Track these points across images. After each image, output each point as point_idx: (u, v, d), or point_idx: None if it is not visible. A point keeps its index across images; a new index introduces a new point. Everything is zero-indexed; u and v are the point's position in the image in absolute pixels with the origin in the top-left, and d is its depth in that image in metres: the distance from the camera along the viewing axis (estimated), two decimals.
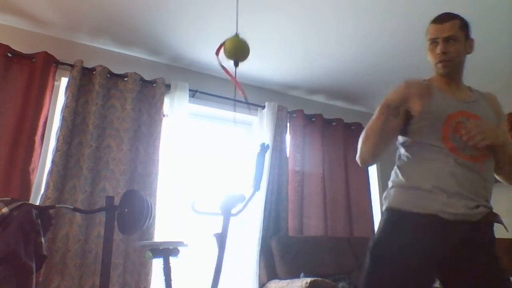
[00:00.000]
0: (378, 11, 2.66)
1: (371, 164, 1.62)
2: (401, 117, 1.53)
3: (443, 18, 1.55)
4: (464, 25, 1.57)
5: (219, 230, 2.03)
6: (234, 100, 3.61)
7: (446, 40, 1.51)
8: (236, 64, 1.71)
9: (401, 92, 1.51)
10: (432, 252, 1.41)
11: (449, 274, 1.46)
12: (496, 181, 1.63)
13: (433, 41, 1.55)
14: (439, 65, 1.54)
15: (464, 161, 1.45)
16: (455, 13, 1.56)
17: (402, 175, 1.52)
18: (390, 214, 1.49)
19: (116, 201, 2.33)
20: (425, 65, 3.68)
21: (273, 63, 3.44)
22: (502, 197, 4.11)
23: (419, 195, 1.44)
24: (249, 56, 1.77)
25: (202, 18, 2.79)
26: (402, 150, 1.59)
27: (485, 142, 1.38)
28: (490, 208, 1.53)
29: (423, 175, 1.47)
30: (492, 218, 1.54)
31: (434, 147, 1.47)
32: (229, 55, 1.71)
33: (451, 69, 1.55)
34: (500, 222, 1.60)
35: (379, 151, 1.54)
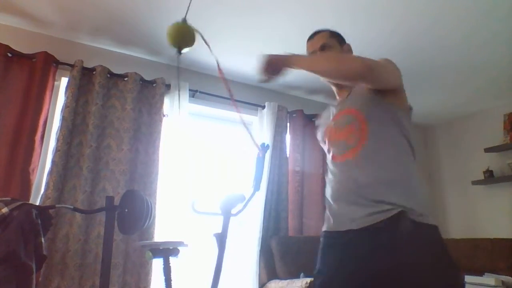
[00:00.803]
0: (377, 11, 2.66)
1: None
2: None
3: (313, 34, 1.64)
4: (333, 34, 1.62)
5: (219, 230, 2.03)
6: (234, 100, 3.61)
7: (321, 49, 1.56)
8: (178, 52, 1.62)
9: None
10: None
11: None
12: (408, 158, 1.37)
13: (312, 54, 1.59)
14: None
15: (340, 163, 1.40)
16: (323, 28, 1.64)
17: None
18: None
19: (116, 201, 2.33)
20: (425, 64, 3.70)
21: None
22: (502, 197, 4.11)
23: (326, 214, 1.44)
24: (193, 45, 1.68)
25: (202, 18, 2.79)
26: None
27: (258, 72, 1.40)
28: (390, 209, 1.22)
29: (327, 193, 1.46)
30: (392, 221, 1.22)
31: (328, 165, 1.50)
32: (171, 42, 1.62)
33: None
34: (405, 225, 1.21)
35: None
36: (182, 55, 1.58)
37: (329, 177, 1.46)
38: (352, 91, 1.52)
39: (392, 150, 1.33)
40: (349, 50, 1.61)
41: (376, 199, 1.24)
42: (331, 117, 1.56)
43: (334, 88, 1.62)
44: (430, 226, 1.24)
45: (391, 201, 1.23)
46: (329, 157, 1.49)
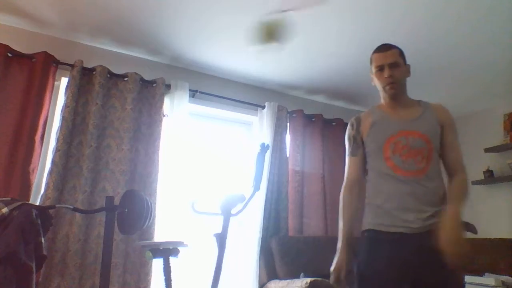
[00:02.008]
0: (378, 11, 2.66)
1: None
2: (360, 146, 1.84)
3: (385, 48, 1.78)
4: (402, 53, 1.79)
5: (219, 230, 2.03)
6: (234, 100, 3.62)
7: (391, 66, 1.72)
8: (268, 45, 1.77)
9: (352, 131, 1.84)
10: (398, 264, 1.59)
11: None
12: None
13: (380, 68, 1.75)
14: (387, 87, 1.74)
15: (405, 177, 1.66)
16: (392, 44, 1.81)
17: (367, 195, 1.78)
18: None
19: (116, 201, 2.33)
20: (425, 64, 3.69)
21: (273, 63, 3.44)
22: (502, 197, 4.11)
23: (378, 213, 1.69)
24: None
25: (202, 18, 2.79)
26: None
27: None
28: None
29: (377, 195, 1.71)
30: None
31: (381, 168, 1.72)
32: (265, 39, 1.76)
33: (397, 90, 1.74)
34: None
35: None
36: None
37: (380, 181, 1.71)
38: (423, 112, 1.76)
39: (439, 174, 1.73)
40: (409, 71, 1.81)
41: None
42: (392, 129, 1.73)
43: (388, 100, 1.79)
44: None
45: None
46: (383, 163, 1.70)
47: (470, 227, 1.66)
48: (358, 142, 1.82)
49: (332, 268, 1.74)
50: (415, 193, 1.63)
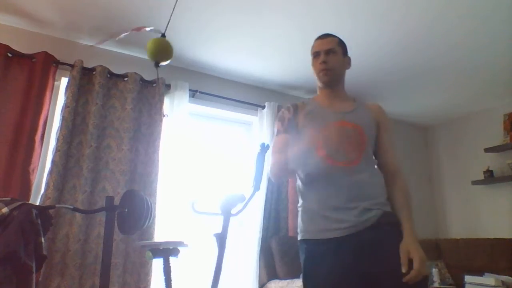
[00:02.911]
0: (378, 11, 2.66)
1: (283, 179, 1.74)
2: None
3: (324, 35, 1.73)
4: (342, 43, 1.74)
5: (219, 230, 2.03)
6: (234, 100, 3.62)
7: (327, 52, 1.67)
8: (156, 65, 1.71)
9: (288, 114, 1.71)
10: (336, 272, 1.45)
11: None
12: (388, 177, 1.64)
13: (316, 54, 1.70)
14: (321, 73, 1.67)
15: (336, 167, 1.55)
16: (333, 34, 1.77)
17: (299, 199, 1.68)
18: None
19: (116, 201, 2.33)
20: (425, 64, 3.68)
21: (273, 63, 3.44)
22: (502, 197, 4.11)
23: (313, 218, 1.57)
24: (171, 59, 1.79)
25: (202, 18, 2.79)
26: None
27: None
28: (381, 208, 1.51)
29: (309, 195, 1.61)
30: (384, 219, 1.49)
31: (312, 160, 1.60)
32: (150, 56, 1.71)
33: (331, 77, 1.68)
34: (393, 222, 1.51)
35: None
36: (162, 65, 1.65)
37: (311, 178, 1.61)
38: (357, 107, 1.69)
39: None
40: (349, 63, 1.76)
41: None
42: (326, 119, 1.64)
43: (323, 88, 1.73)
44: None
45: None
46: (315, 154, 1.58)
47: None
48: (293, 124, 1.69)
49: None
50: (346, 186, 1.51)
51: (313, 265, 1.49)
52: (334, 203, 1.51)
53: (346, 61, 1.74)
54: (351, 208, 1.48)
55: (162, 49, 1.75)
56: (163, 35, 1.74)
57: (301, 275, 1.55)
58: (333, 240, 1.46)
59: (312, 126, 1.65)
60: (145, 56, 3.33)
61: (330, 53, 1.67)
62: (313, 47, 1.73)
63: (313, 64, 1.72)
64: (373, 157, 1.66)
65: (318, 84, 1.73)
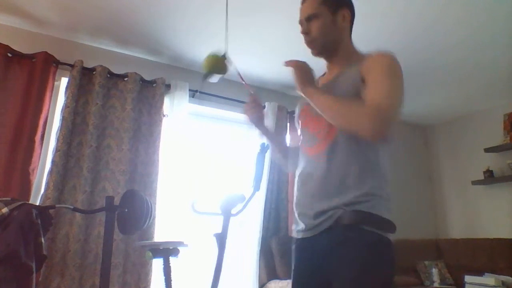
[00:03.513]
0: (377, 11, 2.66)
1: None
2: None
3: None
4: None
5: (219, 230, 2.03)
6: (234, 100, 3.61)
7: (308, 20, 1.37)
8: (205, 78, 1.71)
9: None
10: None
11: None
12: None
13: (300, 25, 1.41)
14: (308, 47, 1.42)
15: (307, 156, 1.34)
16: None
17: None
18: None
19: (116, 201, 2.33)
20: (425, 64, 3.68)
21: (273, 63, 3.44)
22: (502, 197, 4.11)
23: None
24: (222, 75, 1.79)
25: (202, 18, 2.79)
26: None
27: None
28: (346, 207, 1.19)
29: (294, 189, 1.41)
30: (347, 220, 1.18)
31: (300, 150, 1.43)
32: (205, 69, 1.72)
33: (320, 48, 1.39)
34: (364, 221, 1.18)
35: None
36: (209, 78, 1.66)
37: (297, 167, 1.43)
38: (343, 73, 1.34)
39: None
40: (344, 18, 1.38)
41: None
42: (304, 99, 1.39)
43: (325, 61, 1.46)
44: None
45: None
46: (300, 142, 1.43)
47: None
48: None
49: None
50: (311, 178, 1.27)
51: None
52: (301, 198, 1.33)
53: (338, 19, 1.37)
54: (310, 206, 1.27)
55: (219, 67, 1.79)
56: (224, 56, 1.80)
57: None
58: (297, 240, 1.33)
59: (296, 111, 1.53)
60: (145, 56, 3.35)
61: (312, 19, 1.36)
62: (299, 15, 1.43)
63: None
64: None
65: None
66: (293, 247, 1.36)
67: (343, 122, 1.19)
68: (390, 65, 1.23)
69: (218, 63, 1.68)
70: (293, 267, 1.34)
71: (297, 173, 1.39)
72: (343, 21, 1.38)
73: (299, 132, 1.47)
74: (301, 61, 1.33)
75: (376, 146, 1.24)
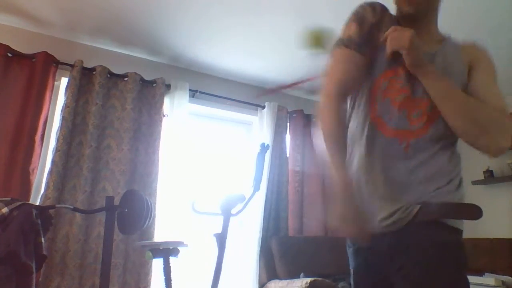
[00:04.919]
0: None
1: None
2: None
3: None
4: None
5: (219, 230, 2.03)
6: (234, 100, 3.62)
7: None
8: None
9: (371, 16, 1.17)
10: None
11: None
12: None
13: None
14: (407, 3, 1.14)
15: (387, 139, 1.09)
16: None
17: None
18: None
19: (116, 201, 2.33)
20: None
21: (273, 63, 3.44)
22: (502, 197, 4.11)
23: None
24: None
25: (202, 18, 2.79)
26: None
27: (388, 46, 1.06)
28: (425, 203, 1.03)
29: (350, 168, 1.15)
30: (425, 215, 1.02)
31: (362, 115, 1.15)
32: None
33: (417, 8, 1.14)
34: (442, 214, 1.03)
35: None
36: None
37: (355, 140, 1.15)
38: (443, 49, 1.16)
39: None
40: None
41: None
42: (391, 63, 1.11)
43: (403, 22, 1.17)
44: None
45: None
46: (367, 109, 1.13)
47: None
48: (369, 38, 1.13)
49: (345, 230, 1.05)
50: (396, 168, 1.06)
51: None
52: (375, 189, 1.10)
53: None
54: (392, 199, 1.08)
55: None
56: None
57: None
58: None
59: (375, 63, 1.15)
60: (145, 56, 3.35)
61: None
62: None
63: None
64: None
65: (397, 13, 1.20)
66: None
67: (467, 122, 1.04)
68: (495, 69, 1.19)
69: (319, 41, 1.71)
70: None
71: (368, 143, 1.12)
72: None
73: (362, 97, 1.16)
74: (411, 32, 1.05)
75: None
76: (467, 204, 1.03)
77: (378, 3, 1.18)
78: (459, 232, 1.05)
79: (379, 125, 1.11)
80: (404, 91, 1.10)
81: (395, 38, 1.06)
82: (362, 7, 1.17)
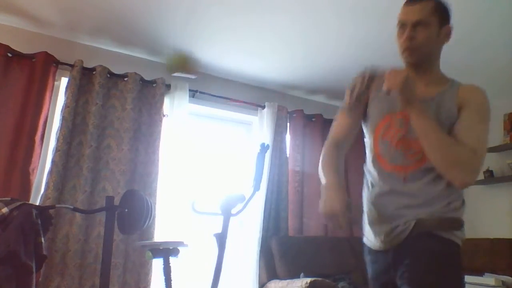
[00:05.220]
0: (378, 11, 2.66)
1: None
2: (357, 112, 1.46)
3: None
4: (439, 9, 1.32)
5: (219, 230, 2.03)
6: (234, 100, 3.62)
7: (415, 24, 1.30)
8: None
9: (361, 85, 1.40)
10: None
11: None
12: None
13: (402, 25, 1.34)
14: (405, 53, 1.34)
15: (386, 173, 1.34)
16: None
17: None
18: None
19: (116, 201, 2.33)
20: None
21: (273, 63, 3.44)
22: (502, 197, 4.11)
23: (364, 221, 1.44)
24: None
25: (202, 18, 2.79)
26: None
27: (385, 86, 1.26)
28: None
29: (363, 194, 1.47)
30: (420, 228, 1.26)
31: (369, 154, 1.43)
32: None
33: (418, 58, 1.34)
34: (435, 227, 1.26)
35: None
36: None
37: (366, 174, 1.44)
38: (441, 95, 1.33)
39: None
40: (447, 34, 1.35)
41: None
42: (394, 105, 1.33)
43: (407, 69, 1.37)
44: None
45: None
46: (372, 148, 1.40)
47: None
48: (360, 101, 1.40)
49: (324, 214, 1.28)
50: (396, 195, 1.31)
51: None
52: (376, 213, 1.39)
53: (443, 33, 1.33)
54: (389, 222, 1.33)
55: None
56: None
57: None
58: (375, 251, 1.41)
59: (378, 109, 1.39)
60: (145, 56, 3.34)
61: (420, 26, 1.29)
62: (399, 13, 1.36)
63: (397, 37, 1.36)
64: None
65: (402, 61, 1.39)
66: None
67: (438, 157, 1.24)
68: (486, 108, 1.32)
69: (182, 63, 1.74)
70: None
71: (372, 176, 1.40)
72: (445, 37, 1.36)
73: (369, 139, 1.43)
74: (404, 75, 1.26)
75: None
76: (451, 217, 1.26)
77: (368, 71, 1.41)
78: (453, 243, 1.25)
79: (381, 162, 1.36)
80: (400, 131, 1.33)
81: (390, 79, 1.26)
82: (355, 77, 1.42)
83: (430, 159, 1.25)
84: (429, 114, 1.27)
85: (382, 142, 1.36)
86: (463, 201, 1.32)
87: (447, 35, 1.36)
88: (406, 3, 1.36)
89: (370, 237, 1.38)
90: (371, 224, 1.36)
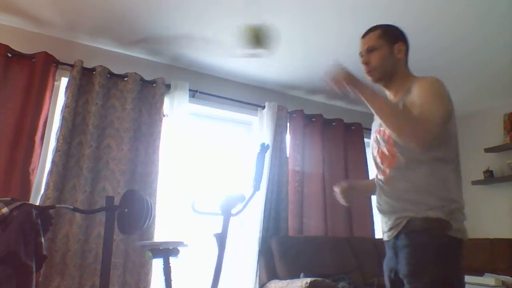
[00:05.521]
0: (378, 11, 2.66)
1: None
2: None
3: (365, 32, 1.66)
4: (385, 32, 1.61)
5: (219, 230, 2.03)
6: (234, 100, 3.62)
7: (368, 51, 1.60)
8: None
9: None
10: None
11: None
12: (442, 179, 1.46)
13: (361, 55, 1.65)
14: (367, 75, 1.62)
15: (377, 179, 1.61)
16: (380, 24, 1.65)
17: None
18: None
19: (116, 201, 2.33)
20: (425, 64, 3.68)
21: (273, 63, 3.44)
22: (502, 197, 4.11)
23: None
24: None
25: (202, 19, 2.79)
26: None
27: (335, 88, 1.48)
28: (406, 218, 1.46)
29: None
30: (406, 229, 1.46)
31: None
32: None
33: (378, 76, 1.60)
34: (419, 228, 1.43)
35: None
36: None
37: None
38: (403, 98, 1.53)
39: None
40: (400, 50, 1.59)
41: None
42: (377, 123, 1.63)
43: (375, 83, 1.64)
44: None
45: None
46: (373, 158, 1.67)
47: None
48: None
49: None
50: (388, 193, 1.55)
51: None
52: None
53: (395, 51, 1.59)
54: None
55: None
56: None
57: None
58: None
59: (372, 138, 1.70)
60: (145, 56, 3.34)
61: (372, 51, 1.59)
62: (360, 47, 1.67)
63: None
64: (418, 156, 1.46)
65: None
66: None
67: (394, 123, 1.44)
68: (434, 86, 1.52)
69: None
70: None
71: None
72: (398, 53, 1.59)
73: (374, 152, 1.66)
74: (338, 69, 1.50)
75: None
76: (437, 218, 1.40)
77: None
78: (441, 236, 1.39)
79: (376, 167, 1.63)
80: (375, 147, 1.63)
81: (334, 79, 1.49)
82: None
83: (388, 129, 1.47)
84: (379, 93, 1.49)
85: (374, 161, 1.65)
86: (453, 200, 1.44)
87: (400, 51, 1.60)
88: (361, 38, 1.67)
89: (383, 229, 1.63)
90: (380, 218, 1.62)
